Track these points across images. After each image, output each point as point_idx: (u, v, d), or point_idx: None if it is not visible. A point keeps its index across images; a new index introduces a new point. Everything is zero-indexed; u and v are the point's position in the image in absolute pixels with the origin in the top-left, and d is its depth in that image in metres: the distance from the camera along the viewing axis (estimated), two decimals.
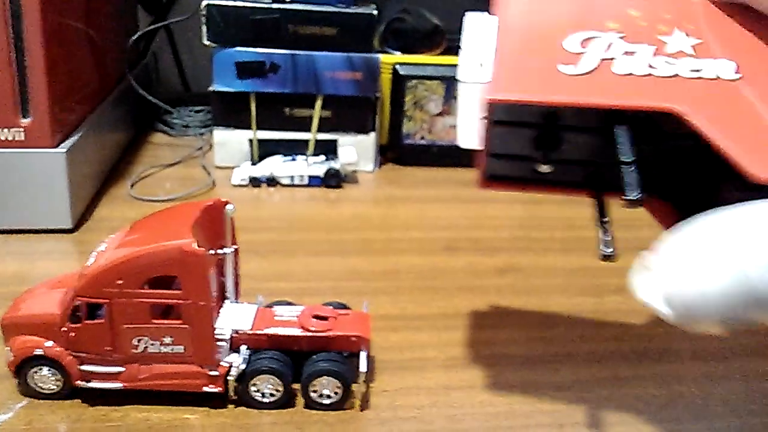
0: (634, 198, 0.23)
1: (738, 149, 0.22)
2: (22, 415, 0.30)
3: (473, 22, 0.27)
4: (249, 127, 0.60)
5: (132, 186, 0.56)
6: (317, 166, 0.59)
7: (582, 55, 0.24)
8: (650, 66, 0.23)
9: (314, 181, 0.59)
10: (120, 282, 0.29)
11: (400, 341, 0.38)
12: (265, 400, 0.31)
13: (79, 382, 0.31)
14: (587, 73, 0.23)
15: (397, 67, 0.62)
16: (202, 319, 0.30)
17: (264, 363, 0.31)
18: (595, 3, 0.25)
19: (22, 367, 0.31)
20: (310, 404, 0.32)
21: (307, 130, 0.61)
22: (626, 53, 0.24)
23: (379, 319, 0.38)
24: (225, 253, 0.33)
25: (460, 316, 0.41)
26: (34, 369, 0.31)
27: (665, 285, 0.20)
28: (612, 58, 0.23)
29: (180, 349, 0.30)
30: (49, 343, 0.30)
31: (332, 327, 0.32)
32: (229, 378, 0.31)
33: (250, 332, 0.32)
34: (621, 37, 0.24)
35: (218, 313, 0.32)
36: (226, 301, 0.34)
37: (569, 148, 0.28)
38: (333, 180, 0.59)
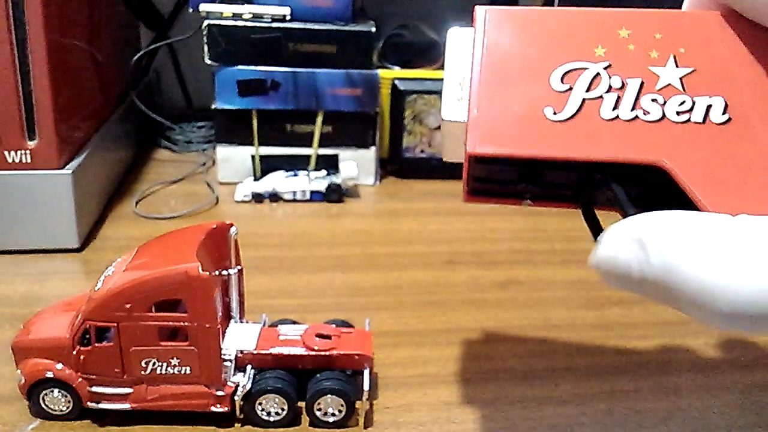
0: (632, 213, 0.24)
1: (718, 208, 0.21)
2: None
3: (457, 41, 0.25)
4: (251, 144, 0.61)
5: (137, 204, 0.57)
6: (319, 181, 0.60)
7: (568, 95, 0.23)
8: (637, 107, 0.23)
9: (316, 196, 0.60)
10: (128, 306, 0.30)
11: (402, 357, 0.38)
12: (271, 418, 0.32)
13: (89, 403, 0.31)
14: (572, 118, 0.23)
15: (396, 82, 0.63)
16: (208, 340, 0.31)
17: (269, 382, 0.32)
18: (584, 19, 0.24)
19: (34, 389, 0.31)
20: (315, 422, 0.32)
21: (309, 145, 0.62)
22: (613, 90, 0.23)
23: (382, 336, 0.39)
24: (229, 274, 0.34)
25: (462, 330, 0.42)
26: (45, 391, 0.31)
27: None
28: (599, 98, 0.23)
29: (187, 370, 0.31)
30: (60, 366, 0.31)
31: (335, 346, 0.33)
32: (235, 398, 0.31)
33: (255, 352, 0.32)
34: (608, 68, 0.23)
35: (224, 333, 0.33)
36: (231, 320, 0.35)
37: (554, 177, 0.28)
38: (334, 195, 0.60)
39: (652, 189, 0.24)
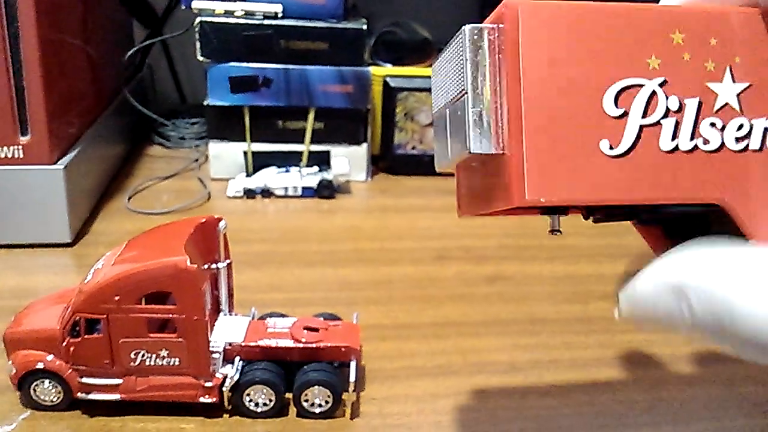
0: (643, 221, 0.23)
1: None
2: (24, 427, 0.32)
3: (473, 42, 0.21)
4: (243, 140, 0.62)
5: (129, 199, 0.57)
6: (310, 177, 0.61)
7: (624, 122, 0.20)
8: (697, 135, 0.21)
9: (307, 192, 0.60)
10: (117, 298, 0.30)
11: (389, 350, 0.39)
12: (259, 409, 0.32)
13: (79, 394, 0.32)
14: (630, 152, 0.20)
15: (388, 79, 0.63)
16: (197, 332, 0.31)
17: (257, 374, 0.32)
18: (633, 19, 0.21)
19: (24, 380, 0.32)
20: (302, 413, 0.33)
21: (300, 141, 0.63)
22: (671, 114, 0.21)
23: (370, 329, 0.39)
24: (218, 268, 0.34)
25: (450, 324, 0.42)
26: (36, 382, 0.32)
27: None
28: (657, 124, 0.21)
29: (176, 361, 0.31)
30: (50, 357, 0.32)
31: (323, 338, 0.34)
32: (223, 389, 0.32)
33: (243, 344, 0.33)
34: (664, 85, 0.21)
35: (213, 326, 0.33)
36: (220, 313, 0.35)
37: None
38: (326, 191, 0.60)
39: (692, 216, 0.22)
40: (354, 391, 0.33)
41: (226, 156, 0.62)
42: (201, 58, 0.59)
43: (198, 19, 0.57)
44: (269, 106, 0.61)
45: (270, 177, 0.60)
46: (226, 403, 0.32)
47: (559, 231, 0.23)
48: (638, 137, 0.20)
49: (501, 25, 0.21)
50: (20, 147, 0.46)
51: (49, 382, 0.32)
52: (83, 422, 0.32)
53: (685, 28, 0.21)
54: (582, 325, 0.43)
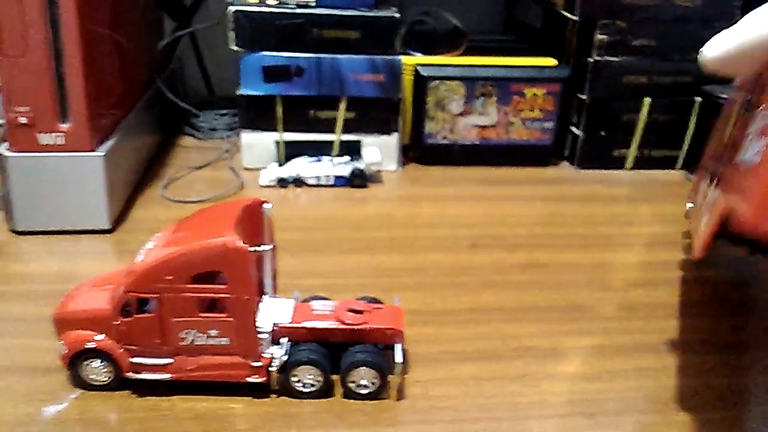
0: None
1: None
2: (75, 406, 0.32)
3: None
4: (275, 130, 0.62)
5: (165, 188, 0.58)
6: (342, 166, 0.61)
7: None
8: None
9: (340, 181, 0.60)
10: (169, 277, 0.30)
11: (430, 335, 0.39)
12: (306, 390, 0.33)
13: (129, 373, 0.32)
14: None
15: (419, 68, 0.63)
16: (246, 312, 0.31)
17: (304, 354, 0.32)
18: None
19: (75, 360, 0.32)
20: (349, 394, 0.33)
21: (331, 131, 0.63)
22: None
23: (409, 314, 0.39)
24: (264, 250, 0.35)
25: (487, 310, 0.42)
26: (87, 361, 0.32)
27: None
28: None
29: (225, 341, 0.32)
30: (101, 337, 0.32)
31: (368, 320, 0.34)
32: (271, 369, 0.32)
33: (290, 325, 0.33)
34: None
35: (258, 307, 0.34)
36: (264, 296, 0.35)
37: None
38: (358, 180, 0.60)
39: None
40: (400, 372, 0.33)
41: (258, 145, 0.62)
42: (234, 48, 0.59)
43: (232, 8, 0.58)
44: (301, 96, 0.61)
45: (302, 166, 0.60)
46: (273, 384, 0.32)
47: None
48: None
49: None
50: (62, 134, 0.47)
51: (100, 362, 0.32)
52: (133, 401, 0.32)
53: None
54: (623, 311, 0.43)
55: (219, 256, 0.30)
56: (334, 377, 0.33)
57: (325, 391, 0.33)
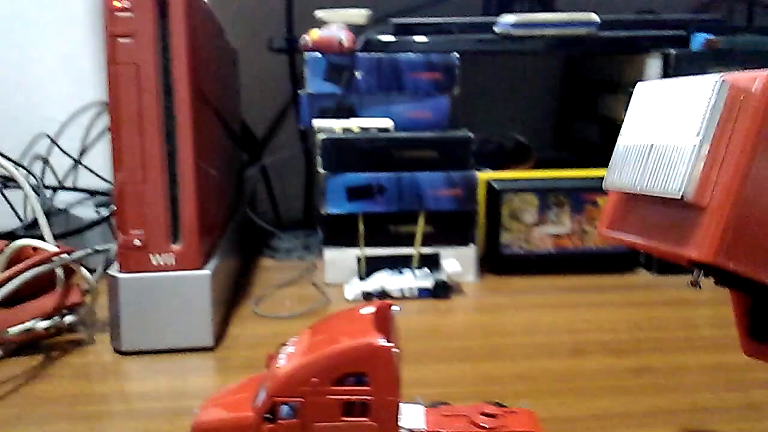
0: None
1: None
2: None
3: (720, 94, 0.21)
4: (357, 246, 0.64)
5: (256, 305, 0.59)
6: (425, 278, 0.62)
7: None
8: None
9: (423, 293, 0.61)
10: (314, 380, 0.30)
11: None
12: None
13: None
14: None
15: (492, 182, 0.66)
16: (389, 415, 0.31)
17: None
18: None
19: None
20: None
21: (410, 245, 0.64)
22: None
23: None
24: (398, 352, 0.35)
25: (611, 416, 0.41)
26: None
27: None
28: None
29: None
30: None
31: (505, 424, 0.33)
32: None
33: (428, 430, 0.32)
34: None
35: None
36: None
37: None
38: (442, 291, 0.61)
39: None
40: None
41: (340, 261, 0.64)
42: (321, 171, 0.63)
43: (321, 136, 0.62)
44: (382, 212, 0.64)
45: (386, 279, 0.62)
46: None
47: (699, 285, 0.23)
48: None
49: (753, 88, 0.21)
50: (172, 254, 0.49)
51: None
52: None
53: None
54: (750, 411, 0.41)
55: (365, 357, 0.30)
56: None
57: None
